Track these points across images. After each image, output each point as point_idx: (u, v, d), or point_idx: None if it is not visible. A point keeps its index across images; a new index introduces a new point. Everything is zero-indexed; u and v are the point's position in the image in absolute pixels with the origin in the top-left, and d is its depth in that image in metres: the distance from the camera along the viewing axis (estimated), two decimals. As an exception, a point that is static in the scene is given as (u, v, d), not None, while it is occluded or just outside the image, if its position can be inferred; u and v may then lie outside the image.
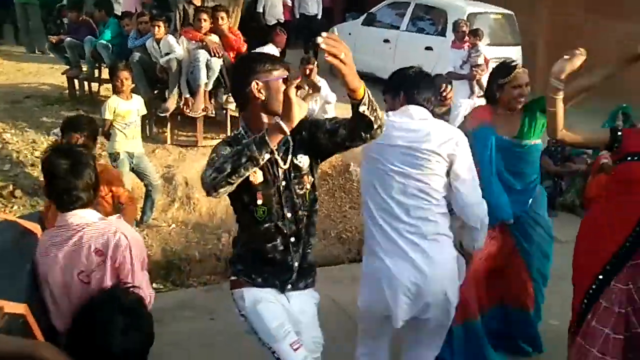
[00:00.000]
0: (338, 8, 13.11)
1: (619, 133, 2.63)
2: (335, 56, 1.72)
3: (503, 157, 3.14)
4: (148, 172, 5.06)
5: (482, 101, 4.06)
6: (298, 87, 1.99)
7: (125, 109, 4.83)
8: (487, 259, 3.25)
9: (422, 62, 9.02)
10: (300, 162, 2.23)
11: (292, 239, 2.27)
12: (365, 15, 10.54)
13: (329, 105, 6.36)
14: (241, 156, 1.93)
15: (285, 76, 2.16)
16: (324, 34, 1.73)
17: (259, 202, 2.19)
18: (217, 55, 5.94)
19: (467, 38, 7.26)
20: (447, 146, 2.46)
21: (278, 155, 2.17)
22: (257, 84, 2.10)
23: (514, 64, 3.18)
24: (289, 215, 2.24)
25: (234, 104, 6.18)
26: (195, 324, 3.84)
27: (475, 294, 3.23)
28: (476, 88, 6.82)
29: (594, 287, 2.60)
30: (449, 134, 2.51)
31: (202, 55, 5.87)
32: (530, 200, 3.23)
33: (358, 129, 1.99)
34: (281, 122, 1.91)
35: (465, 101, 6.90)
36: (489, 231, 3.15)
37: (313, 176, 2.29)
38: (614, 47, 9.07)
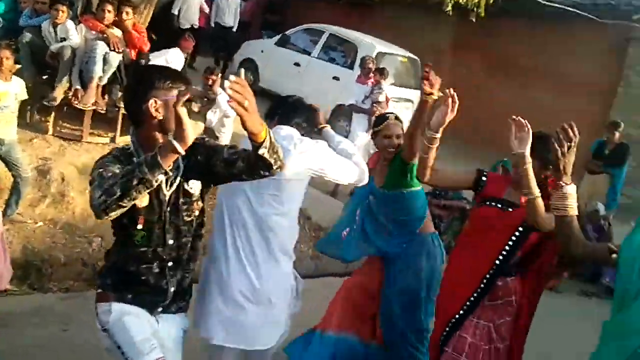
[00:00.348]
0: (256, 23, 13.07)
1: (484, 178, 2.76)
2: (238, 103, 1.66)
3: (379, 204, 3.24)
4: (18, 163, 4.63)
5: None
6: (190, 100, 1.86)
7: (1, 91, 4.43)
8: (357, 286, 3.38)
9: (329, 90, 9.35)
10: (191, 187, 2.08)
11: (170, 264, 2.12)
12: (279, 35, 10.57)
13: (227, 119, 6.21)
14: (132, 178, 1.73)
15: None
16: (232, 77, 1.66)
17: (139, 226, 2.02)
18: (117, 50, 5.64)
19: (372, 75, 7.46)
20: (306, 154, 2.57)
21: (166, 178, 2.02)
22: (156, 102, 1.91)
23: (388, 114, 3.26)
24: (170, 242, 2.09)
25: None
26: (50, 330, 3.53)
27: (340, 310, 3.30)
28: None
29: (453, 320, 2.70)
30: (308, 143, 2.62)
31: (101, 47, 5.54)
32: (405, 245, 3.27)
33: (257, 168, 1.91)
34: (174, 142, 1.74)
35: (362, 134, 7.08)
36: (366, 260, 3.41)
37: (202, 202, 2.16)
38: (504, 107, 9.79)
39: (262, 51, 10.53)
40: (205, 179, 2.12)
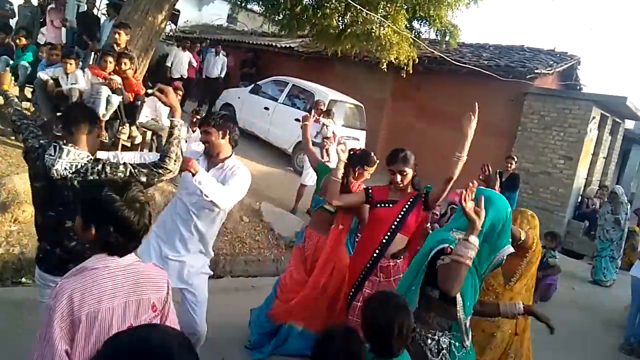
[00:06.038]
0: (235, 75, 13.39)
1: (370, 191, 3.12)
2: None
3: None
4: None
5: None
6: None
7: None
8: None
9: (292, 129, 9.60)
10: None
11: None
12: (252, 85, 10.87)
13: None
14: None
15: None
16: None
17: None
18: (117, 92, 5.84)
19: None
20: None
21: None
22: None
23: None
24: None
25: (125, 135, 6.14)
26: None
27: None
28: (325, 155, 7.27)
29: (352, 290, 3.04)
30: None
31: (104, 90, 5.73)
32: None
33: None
34: None
35: (315, 163, 7.32)
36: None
37: None
38: (431, 142, 10.24)
39: (238, 97, 10.79)
40: None
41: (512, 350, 3.12)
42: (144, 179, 2.25)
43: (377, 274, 2.96)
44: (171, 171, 2.32)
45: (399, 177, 2.98)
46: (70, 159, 2.21)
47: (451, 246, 2.10)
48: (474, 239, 1.99)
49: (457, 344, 2.21)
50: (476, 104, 2.80)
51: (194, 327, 2.93)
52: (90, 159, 2.27)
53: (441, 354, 2.17)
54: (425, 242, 2.32)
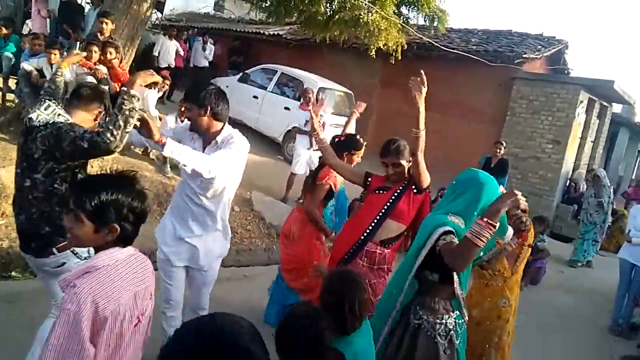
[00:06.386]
0: (223, 64, 13.28)
1: (369, 178, 3.15)
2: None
3: None
4: None
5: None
6: None
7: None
8: None
9: (281, 118, 9.53)
10: None
11: None
12: (241, 74, 10.77)
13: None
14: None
15: None
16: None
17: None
18: (103, 82, 5.74)
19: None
20: None
21: None
22: None
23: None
24: None
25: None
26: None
27: None
28: (314, 142, 7.27)
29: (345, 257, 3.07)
30: None
31: (89, 80, 5.64)
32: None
33: None
34: None
35: (305, 151, 7.32)
36: None
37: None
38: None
39: (227, 86, 10.66)
40: None
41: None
42: (85, 145, 2.18)
43: (361, 257, 2.98)
44: (109, 143, 2.15)
45: (392, 170, 2.98)
46: (48, 113, 2.31)
47: (450, 229, 2.14)
48: (497, 224, 1.93)
49: (460, 321, 2.29)
50: (422, 71, 2.76)
51: (199, 305, 2.97)
52: (67, 120, 2.35)
53: (449, 335, 2.23)
54: (421, 226, 2.33)
